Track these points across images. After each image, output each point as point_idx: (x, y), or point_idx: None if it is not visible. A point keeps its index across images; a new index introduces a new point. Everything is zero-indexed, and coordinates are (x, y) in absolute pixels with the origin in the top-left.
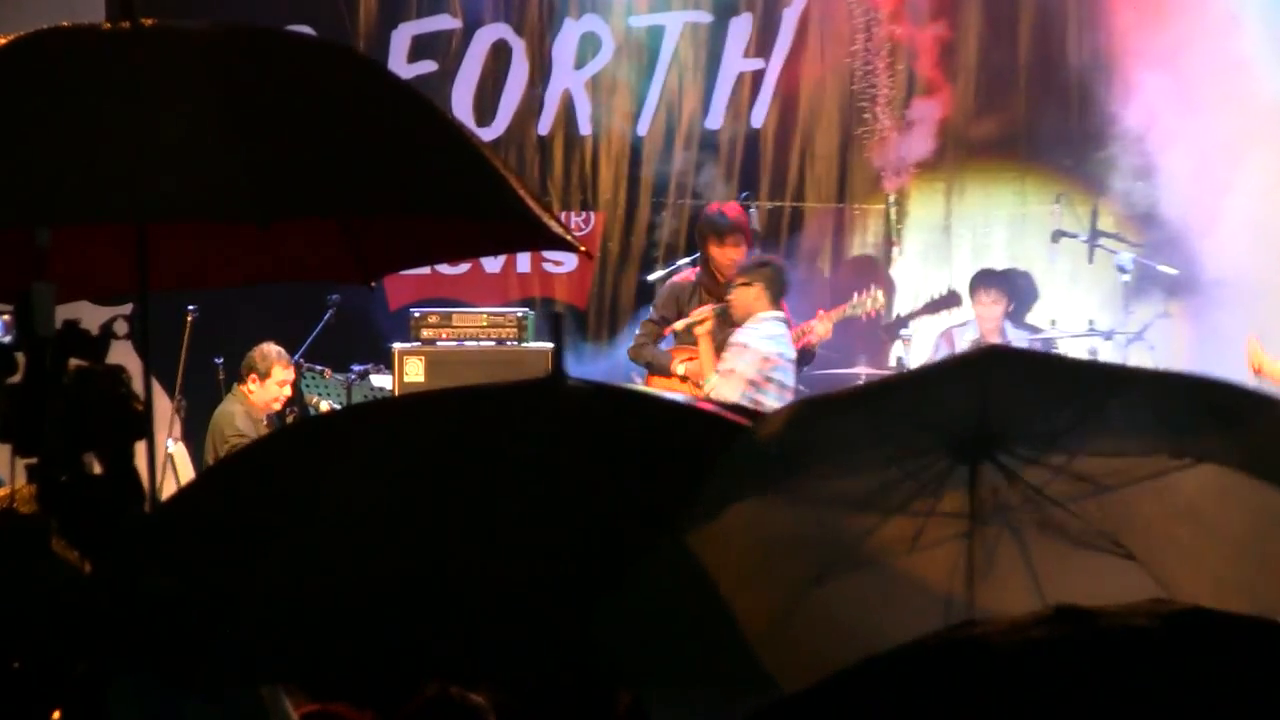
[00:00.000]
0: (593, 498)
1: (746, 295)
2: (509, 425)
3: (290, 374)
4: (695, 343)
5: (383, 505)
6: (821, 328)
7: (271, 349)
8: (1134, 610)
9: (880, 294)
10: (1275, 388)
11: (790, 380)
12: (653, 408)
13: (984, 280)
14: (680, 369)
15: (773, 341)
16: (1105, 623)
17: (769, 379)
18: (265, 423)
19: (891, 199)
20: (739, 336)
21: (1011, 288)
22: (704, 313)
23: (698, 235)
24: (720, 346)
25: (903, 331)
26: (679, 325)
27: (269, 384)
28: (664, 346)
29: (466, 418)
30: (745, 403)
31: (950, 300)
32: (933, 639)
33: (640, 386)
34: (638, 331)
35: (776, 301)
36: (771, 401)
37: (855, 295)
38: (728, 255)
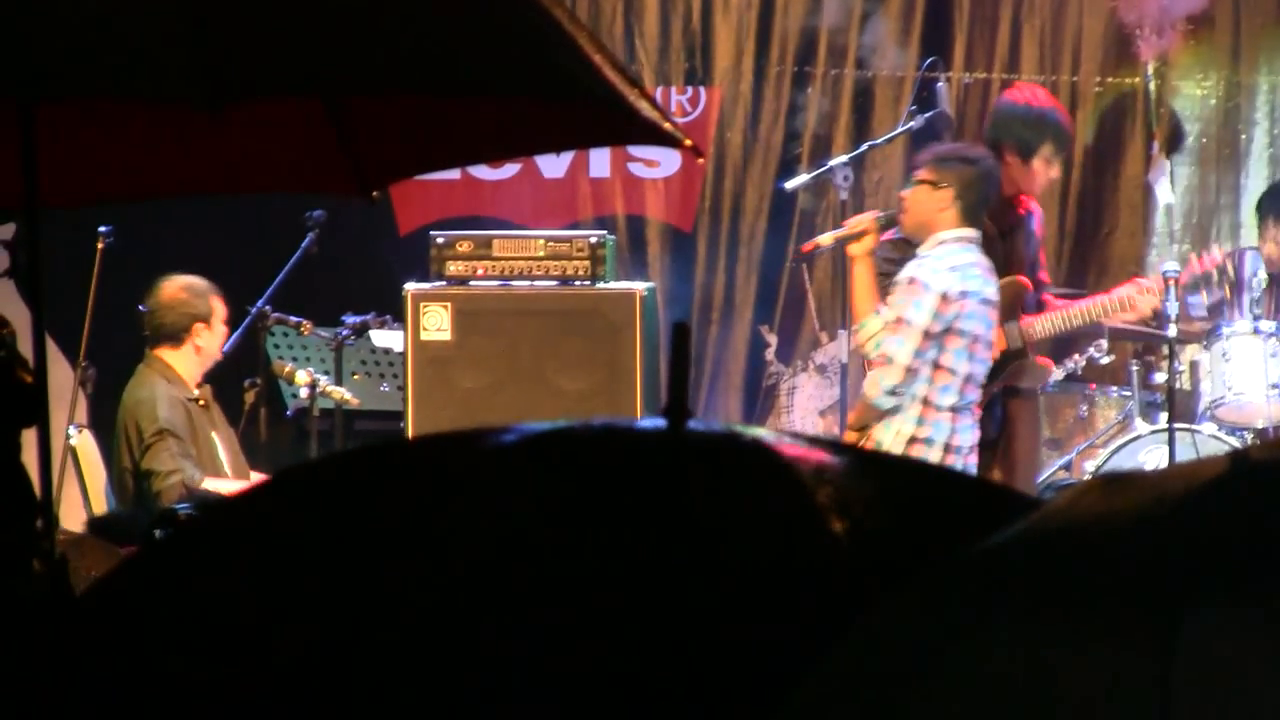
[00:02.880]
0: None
1: (928, 202)
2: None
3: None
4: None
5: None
6: (1145, 303)
7: (196, 280)
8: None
9: (1229, 262)
10: None
11: (986, 329)
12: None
13: (1275, 205)
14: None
15: (958, 275)
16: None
17: (954, 331)
18: (201, 399)
19: (1150, 70)
20: (910, 268)
21: None
22: (862, 222)
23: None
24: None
25: (1166, 267)
26: (824, 239)
27: (218, 325)
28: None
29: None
30: (924, 365)
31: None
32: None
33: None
34: None
35: (972, 217)
36: (960, 364)
37: (1194, 259)
38: (1048, 173)
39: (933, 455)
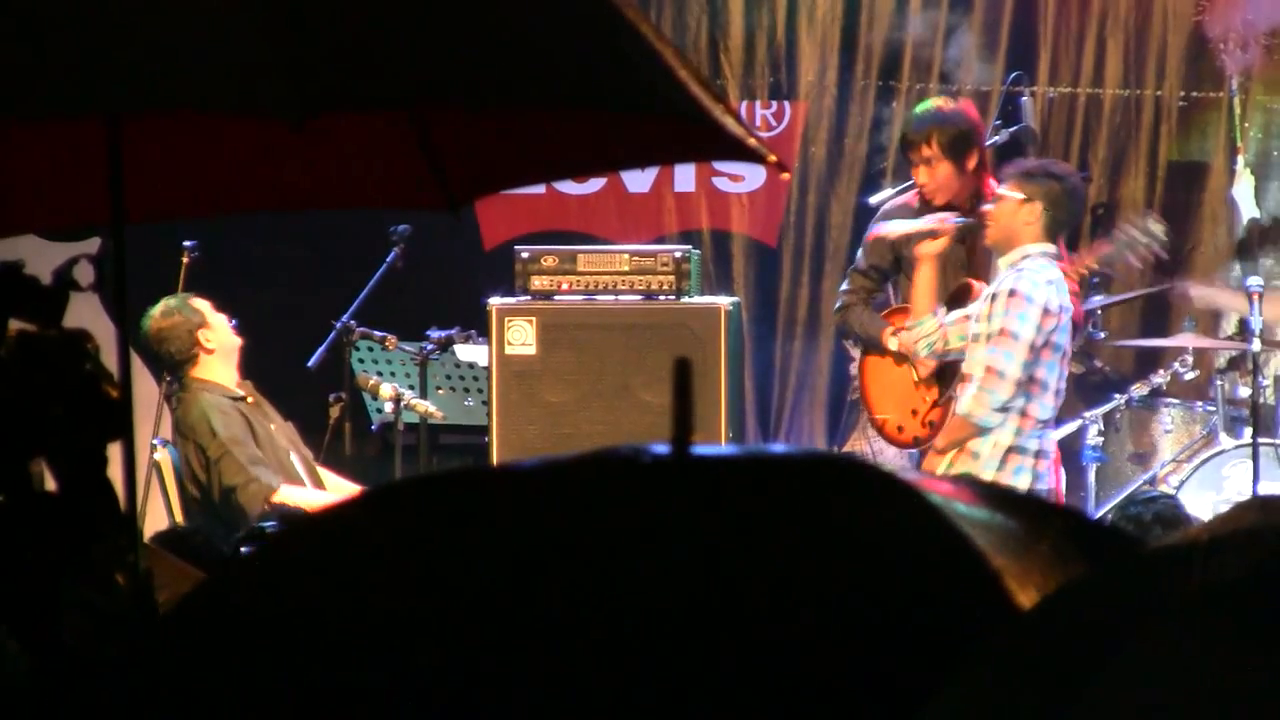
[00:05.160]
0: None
1: (1015, 215)
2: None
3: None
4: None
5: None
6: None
7: (165, 301)
8: None
9: (1159, 227)
10: None
11: (1069, 342)
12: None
13: None
14: (892, 341)
15: (1054, 289)
16: None
17: (1050, 345)
18: (248, 396)
19: (1234, 84)
20: (1008, 280)
21: None
22: (942, 223)
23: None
24: (952, 283)
25: (1250, 281)
26: (894, 230)
27: (214, 317)
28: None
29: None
30: (1023, 377)
31: None
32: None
33: (895, 468)
34: (843, 287)
35: (1054, 232)
36: (1051, 378)
37: (1125, 228)
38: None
39: (1026, 462)
